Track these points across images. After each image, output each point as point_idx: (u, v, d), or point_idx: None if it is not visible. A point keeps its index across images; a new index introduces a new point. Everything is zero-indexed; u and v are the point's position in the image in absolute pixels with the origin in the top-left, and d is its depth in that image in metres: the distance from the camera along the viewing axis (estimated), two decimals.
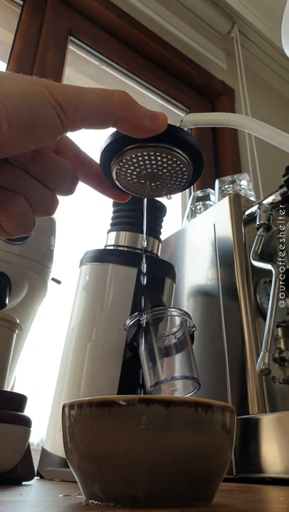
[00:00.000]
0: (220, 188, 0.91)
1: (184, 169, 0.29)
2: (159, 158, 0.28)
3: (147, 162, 0.29)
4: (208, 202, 0.94)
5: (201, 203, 0.94)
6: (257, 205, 0.73)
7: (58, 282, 0.70)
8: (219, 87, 1.51)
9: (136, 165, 0.29)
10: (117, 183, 0.30)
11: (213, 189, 0.95)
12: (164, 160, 0.29)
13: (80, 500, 0.27)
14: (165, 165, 0.29)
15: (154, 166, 0.29)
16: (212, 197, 0.95)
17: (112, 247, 0.63)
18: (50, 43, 1.12)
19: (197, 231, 0.83)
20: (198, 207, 0.94)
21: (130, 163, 0.29)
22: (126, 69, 1.32)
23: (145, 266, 0.49)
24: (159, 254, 0.65)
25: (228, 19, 1.55)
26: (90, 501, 0.24)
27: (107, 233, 0.65)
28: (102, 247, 0.64)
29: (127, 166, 0.29)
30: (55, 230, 0.68)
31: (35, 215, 0.27)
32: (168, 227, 0.75)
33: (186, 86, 1.46)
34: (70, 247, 0.85)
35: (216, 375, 0.67)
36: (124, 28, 1.29)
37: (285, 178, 0.67)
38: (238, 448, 0.58)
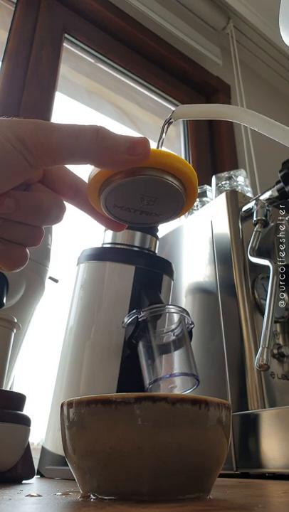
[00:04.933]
0: (217, 184, 0.91)
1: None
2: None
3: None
4: (205, 198, 0.94)
5: (198, 199, 0.94)
6: (254, 201, 0.73)
7: (56, 281, 0.70)
8: (215, 83, 1.51)
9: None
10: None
11: (210, 185, 0.95)
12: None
13: (79, 497, 0.27)
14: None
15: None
16: (209, 193, 0.95)
17: (109, 245, 0.63)
18: (44, 41, 1.12)
19: (194, 228, 0.83)
20: (195, 203, 0.94)
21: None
22: (121, 66, 1.31)
23: None
24: (156, 252, 0.65)
25: (223, 15, 1.55)
26: (90, 498, 0.24)
27: (105, 231, 0.65)
28: (100, 245, 0.64)
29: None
30: (52, 229, 0.68)
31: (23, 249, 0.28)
32: (165, 225, 0.75)
33: (182, 82, 1.46)
34: (67, 245, 0.85)
35: (214, 372, 0.67)
36: (118, 25, 1.29)
37: (282, 173, 0.67)
38: (238, 443, 0.58)
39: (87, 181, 0.28)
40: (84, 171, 0.28)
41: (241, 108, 0.31)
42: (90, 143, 0.25)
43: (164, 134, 0.33)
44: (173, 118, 0.33)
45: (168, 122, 0.33)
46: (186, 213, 0.94)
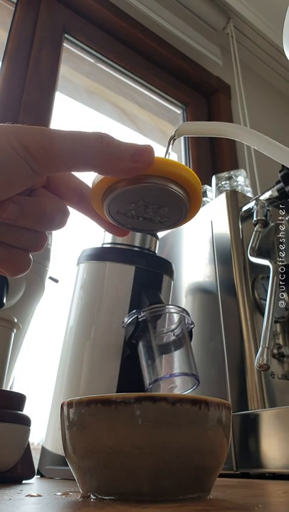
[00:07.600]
0: (217, 184, 0.91)
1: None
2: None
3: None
4: (205, 198, 0.94)
5: None
6: (254, 201, 0.73)
7: (56, 281, 0.70)
8: (215, 83, 1.51)
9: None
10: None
11: (210, 185, 0.95)
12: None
13: (79, 497, 0.27)
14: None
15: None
16: (209, 193, 0.95)
17: (109, 245, 0.63)
18: (44, 41, 1.12)
19: (194, 228, 0.83)
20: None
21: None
22: (121, 66, 1.31)
23: None
24: (156, 252, 0.65)
25: (223, 15, 1.55)
26: (90, 498, 0.24)
27: (105, 231, 0.65)
28: (100, 245, 0.64)
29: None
30: None
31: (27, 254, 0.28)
32: None
33: (182, 82, 1.46)
34: (67, 245, 0.85)
35: (215, 372, 0.67)
36: (118, 25, 1.29)
37: (282, 173, 0.67)
38: (238, 443, 0.58)
39: (90, 187, 0.28)
40: (89, 176, 0.28)
41: (244, 127, 0.32)
42: (94, 150, 0.24)
43: (169, 150, 0.34)
44: (177, 135, 0.33)
45: (172, 139, 0.34)
46: None
